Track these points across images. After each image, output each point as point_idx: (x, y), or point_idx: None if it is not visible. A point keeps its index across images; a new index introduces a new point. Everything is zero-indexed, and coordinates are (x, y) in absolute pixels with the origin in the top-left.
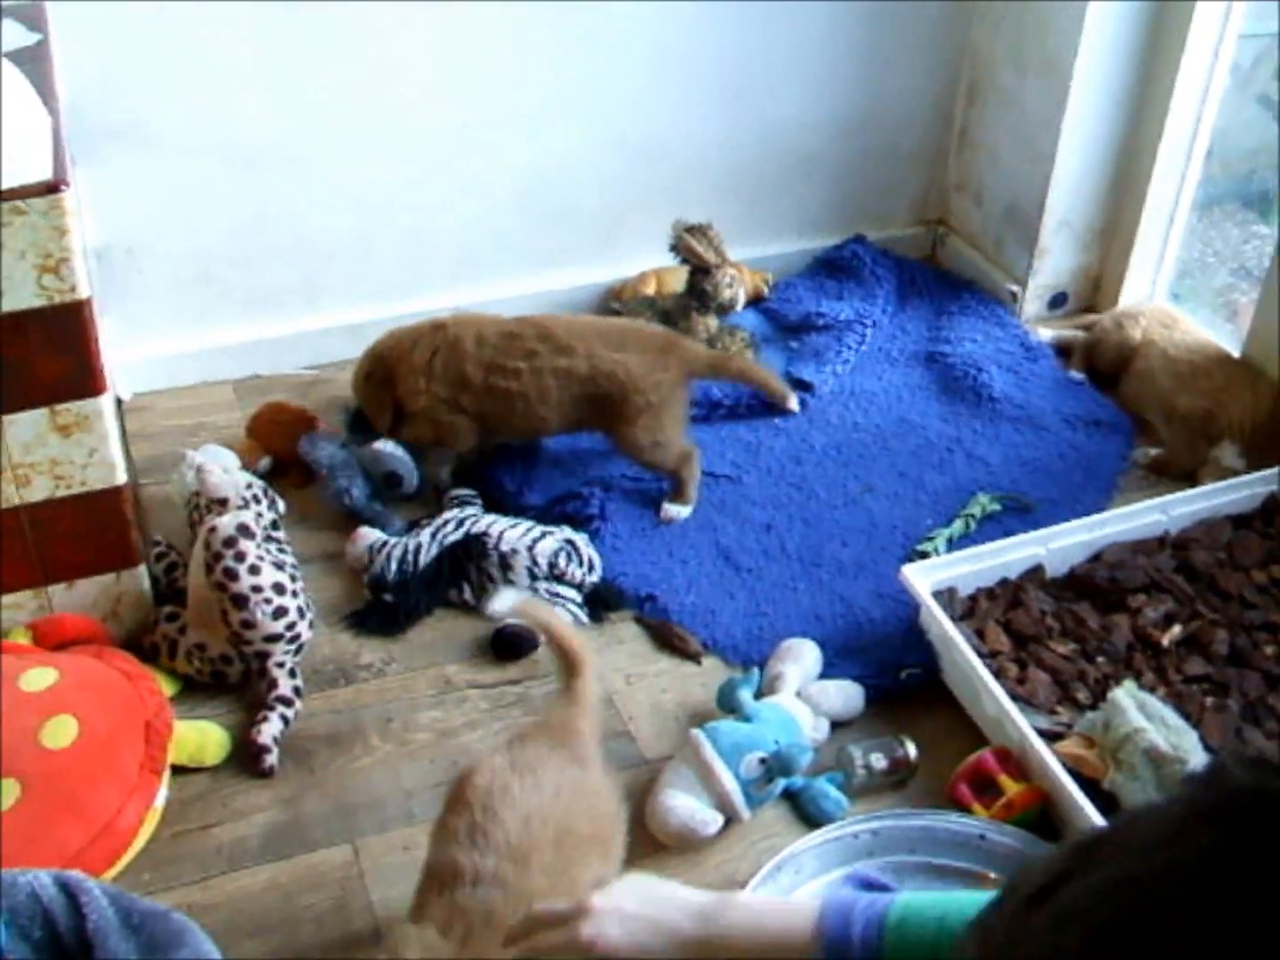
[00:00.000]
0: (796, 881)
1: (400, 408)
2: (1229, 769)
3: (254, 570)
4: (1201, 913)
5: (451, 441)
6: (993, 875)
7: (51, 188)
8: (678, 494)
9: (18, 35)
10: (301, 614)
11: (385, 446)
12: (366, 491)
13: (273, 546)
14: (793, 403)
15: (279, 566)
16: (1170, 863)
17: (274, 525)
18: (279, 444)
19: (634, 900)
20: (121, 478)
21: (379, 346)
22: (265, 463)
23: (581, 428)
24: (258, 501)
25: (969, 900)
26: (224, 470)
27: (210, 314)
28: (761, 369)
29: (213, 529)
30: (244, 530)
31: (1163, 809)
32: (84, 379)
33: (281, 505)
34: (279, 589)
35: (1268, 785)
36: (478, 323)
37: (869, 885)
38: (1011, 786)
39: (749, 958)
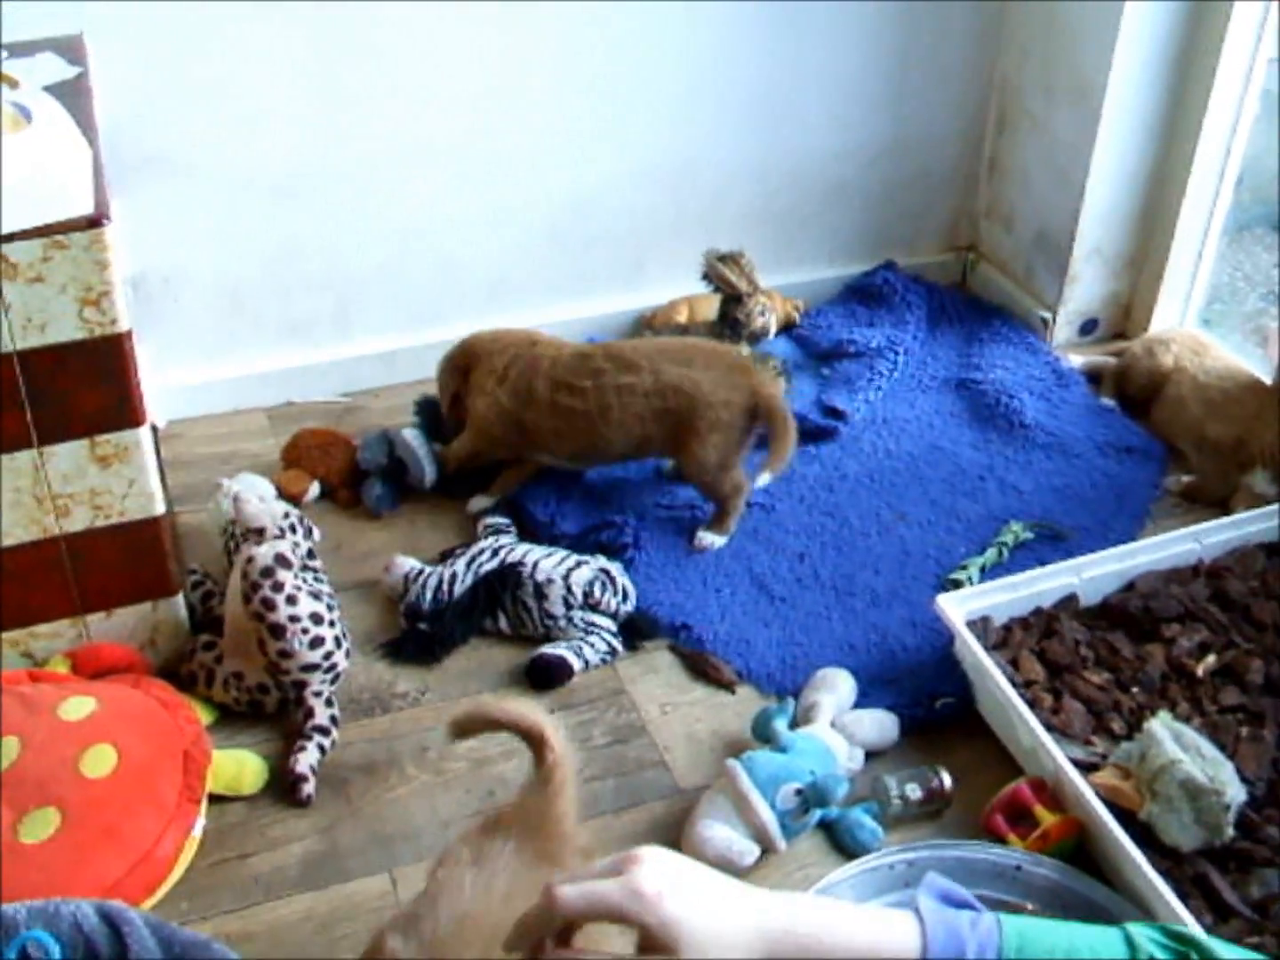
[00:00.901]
0: None
1: (462, 410)
2: None
3: (291, 600)
4: None
5: (488, 455)
6: (1030, 906)
7: (93, 222)
8: (718, 523)
9: (58, 68)
10: (338, 643)
11: (410, 435)
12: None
13: (309, 576)
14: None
15: (316, 596)
16: None
17: (310, 554)
18: (324, 468)
19: (690, 869)
20: (160, 508)
21: (472, 338)
22: (315, 489)
23: (647, 450)
24: (294, 531)
25: (1083, 936)
26: (260, 499)
27: (244, 341)
28: (783, 439)
29: (250, 559)
30: (281, 560)
31: None
32: (123, 411)
33: (317, 534)
34: (316, 619)
35: None
36: (559, 344)
37: (948, 899)
38: (1047, 817)
39: None
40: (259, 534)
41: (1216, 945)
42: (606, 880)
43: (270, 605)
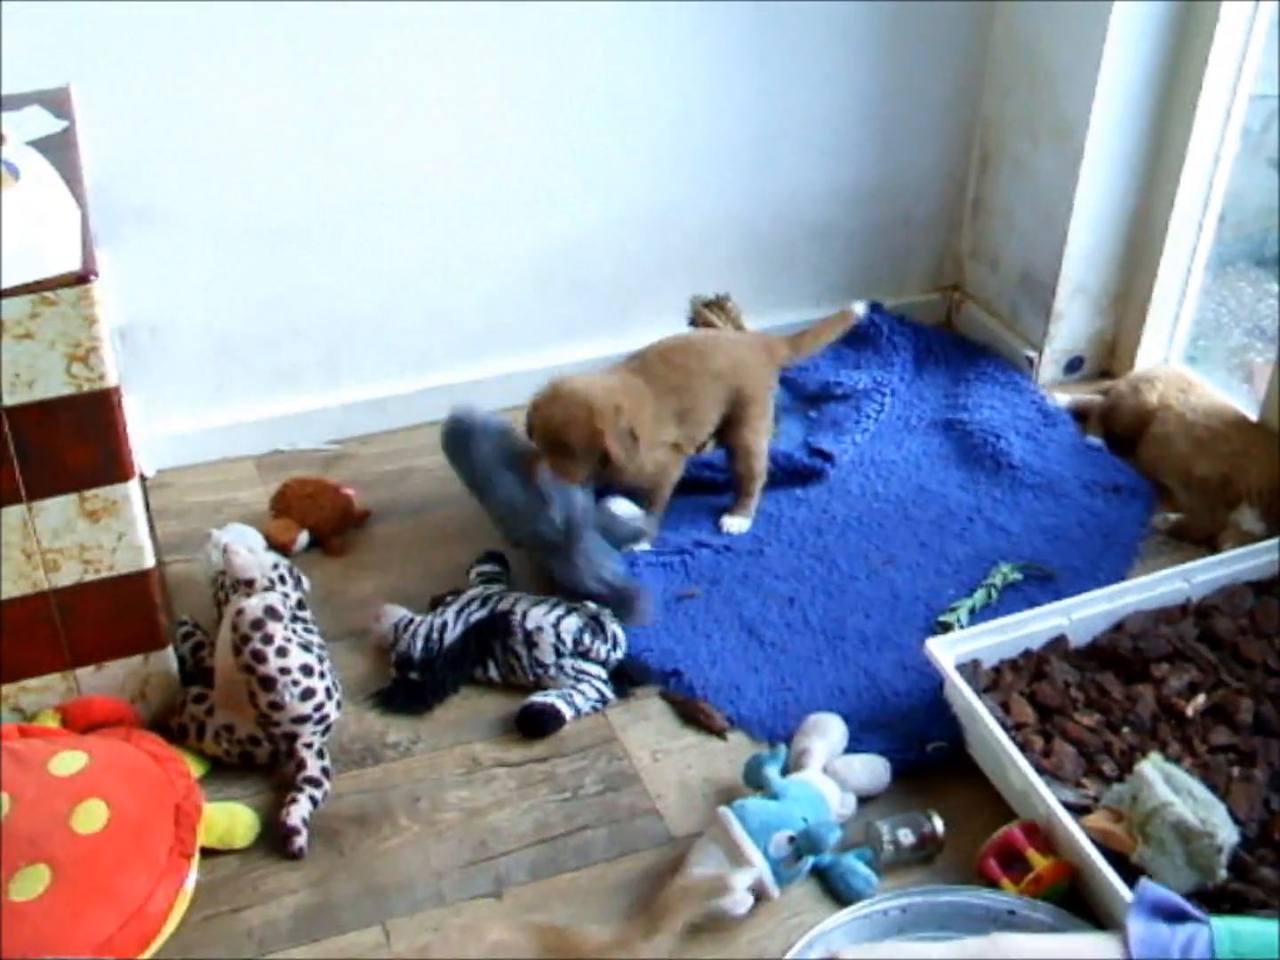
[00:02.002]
0: None
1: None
2: None
3: (282, 652)
4: None
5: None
6: None
7: (81, 278)
8: (743, 507)
9: (45, 122)
10: (329, 694)
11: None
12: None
13: (299, 627)
14: (859, 309)
15: (306, 648)
16: None
17: (300, 605)
18: (313, 517)
19: None
20: (149, 561)
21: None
22: (304, 539)
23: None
24: (283, 582)
25: None
26: (250, 550)
27: (233, 390)
28: (823, 324)
29: (240, 611)
30: (271, 613)
31: None
32: (112, 465)
33: (306, 584)
34: (307, 670)
35: None
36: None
37: (1160, 909)
38: (1040, 861)
39: None
40: (249, 585)
41: None
42: None
43: (261, 658)
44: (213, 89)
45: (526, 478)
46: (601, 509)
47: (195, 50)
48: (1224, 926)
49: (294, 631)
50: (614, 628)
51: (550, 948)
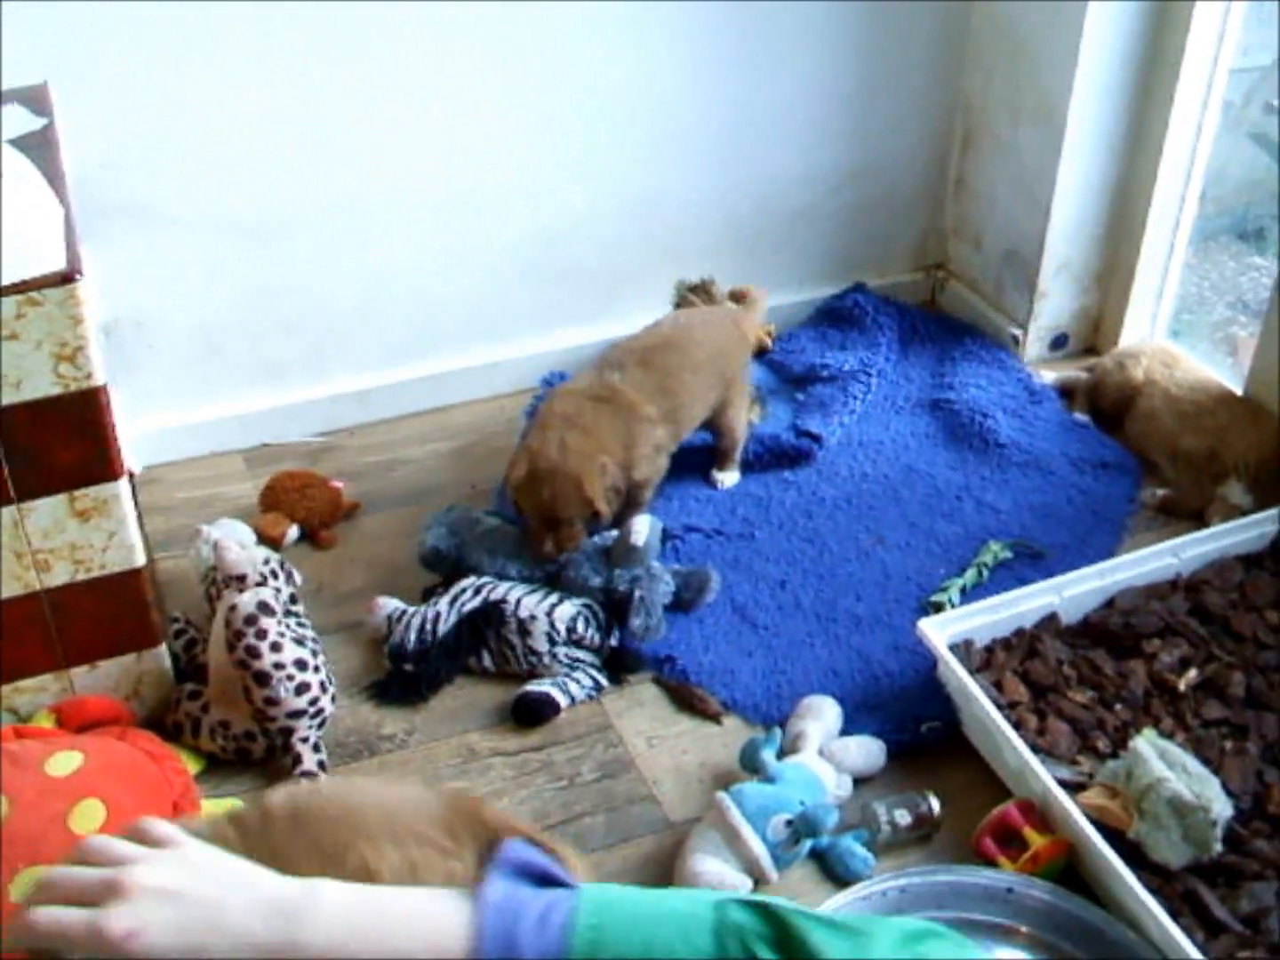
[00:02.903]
0: None
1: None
2: None
3: (275, 647)
4: None
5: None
6: (1023, 929)
7: (66, 278)
8: (730, 462)
9: (24, 120)
10: (324, 688)
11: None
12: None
13: (292, 621)
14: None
15: (300, 642)
16: None
17: (292, 599)
18: (303, 510)
19: (191, 879)
20: (140, 559)
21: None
22: (294, 532)
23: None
24: (275, 576)
25: (668, 929)
26: (240, 545)
27: (219, 385)
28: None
29: (233, 607)
30: (264, 608)
31: None
32: (101, 464)
33: (298, 578)
34: (301, 665)
35: None
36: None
37: (527, 871)
38: (1036, 839)
39: None
40: (240, 581)
41: (810, 926)
42: (74, 915)
43: (254, 653)
44: (193, 82)
45: (533, 551)
46: (623, 545)
47: (174, 44)
48: (594, 891)
49: (287, 626)
50: (606, 615)
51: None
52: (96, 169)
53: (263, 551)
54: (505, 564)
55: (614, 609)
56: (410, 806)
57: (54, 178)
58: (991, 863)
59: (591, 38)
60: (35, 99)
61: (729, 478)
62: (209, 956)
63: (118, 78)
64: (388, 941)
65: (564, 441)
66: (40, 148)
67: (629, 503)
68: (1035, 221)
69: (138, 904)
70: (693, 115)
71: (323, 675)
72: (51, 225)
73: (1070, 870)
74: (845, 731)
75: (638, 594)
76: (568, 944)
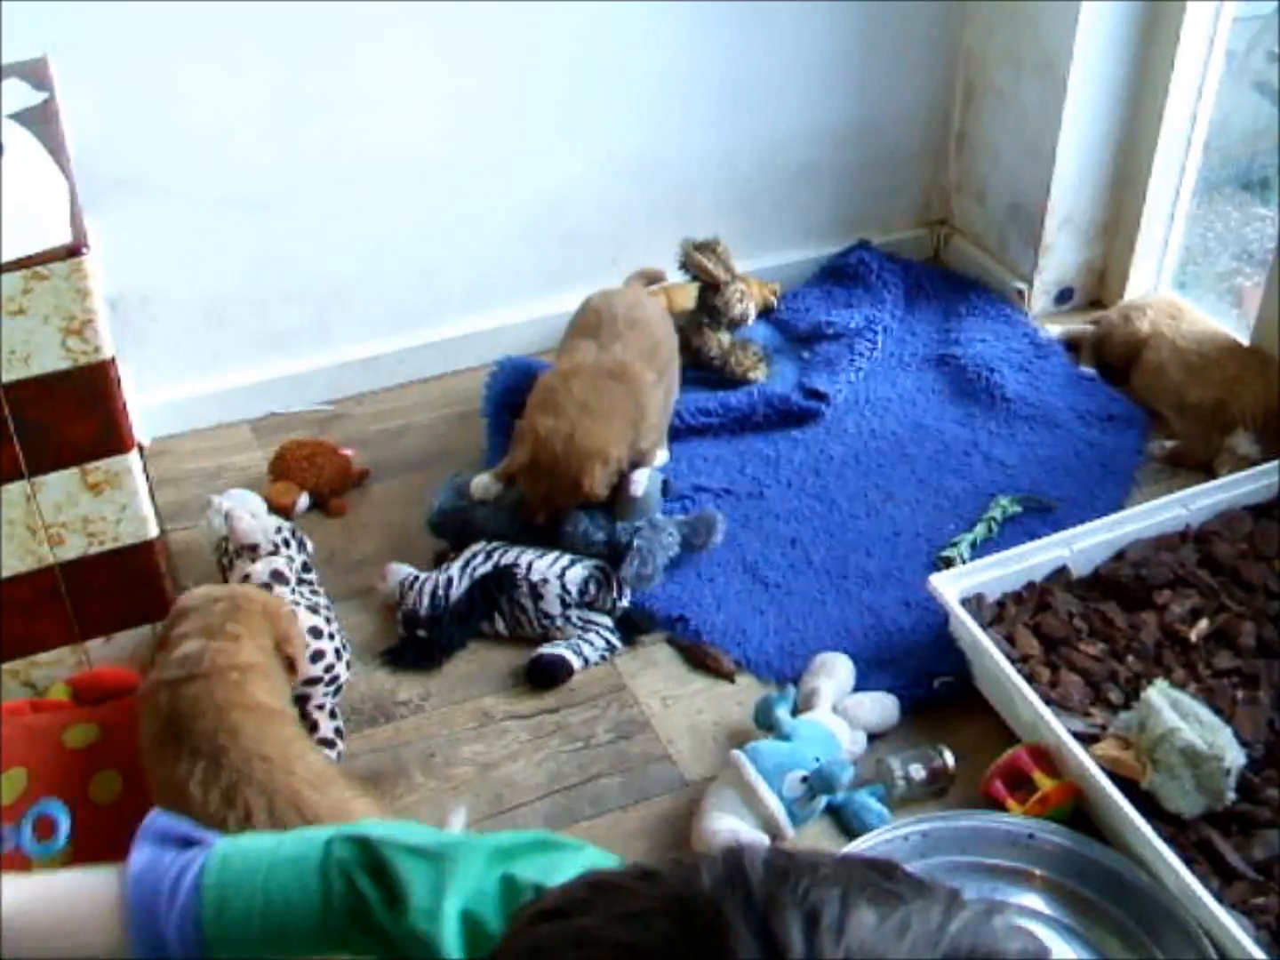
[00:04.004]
0: None
1: None
2: (702, 868)
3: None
4: None
5: None
6: (1038, 873)
7: (72, 251)
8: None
9: (24, 94)
10: (339, 655)
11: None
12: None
13: (305, 589)
14: None
15: (314, 610)
16: (624, 941)
17: (305, 567)
18: (312, 478)
19: None
20: (153, 531)
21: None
22: (304, 501)
23: None
24: (287, 545)
25: (283, 874)
26: (252, 515)
27: (225, 356)
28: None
29: (246, 577)
30: (278, 576)
31: (657, 880)
32: (112, 437)
33: (310, 546)
34: (315, 632)
35: (696, 889)
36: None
37: (169, 836)
38: (1045, 782)
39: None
40: (253, 550)
41: (399, 855)
42: None
43: None
44: (193, 54)
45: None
46: (624, 498)
47: (173, 16)
48: (221, 846)
49: (301, 594)
50: (618, 576)
51: None
52: (98, 142)
53: (274, 520)
54: (512, 527)
55: (615, 562)
56: None
57: (56, 152)
58: (1000, 806)
59: None
60: (35, 73)
61: (660, 455)
62: None
63: (117, 51)
64: (55, 924)
65: (572, 433)
66: (41, 122)
67: (633, 464)
68: (1039, 175)
69: None
70: (693, 75)
71: (337, 642)
72: (56, 199)
73: (1077, 813)
74: (858, 687)
75: (636, 543)
76: (199, 904)
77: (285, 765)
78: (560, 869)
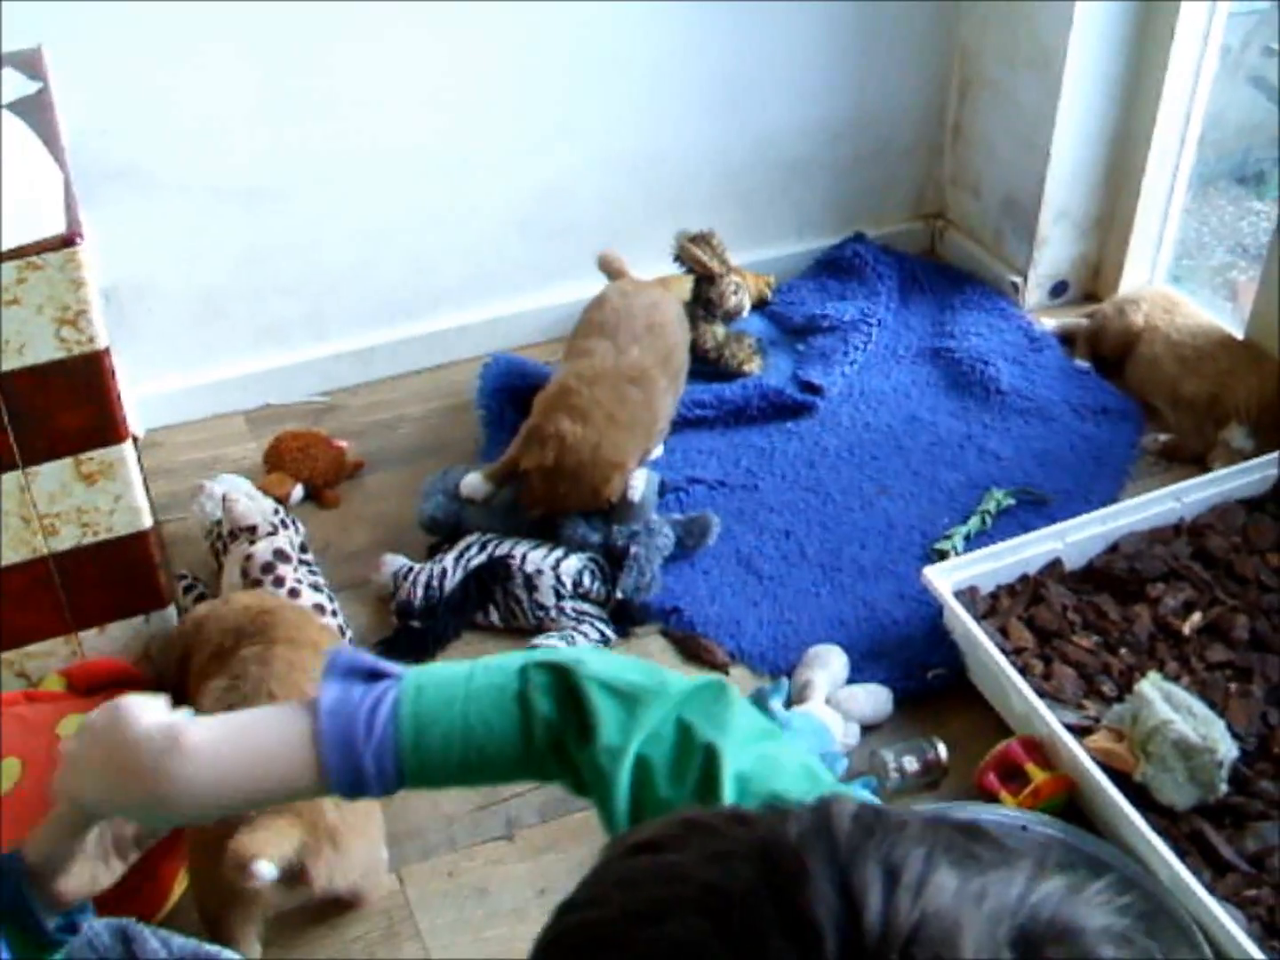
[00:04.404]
0: None
1: None
2: (790, 816)
3: (294, 594)
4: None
5: None
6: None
7: (66, 241)
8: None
9: (19, 84)
10: (341, 633)
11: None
12: None
13: (304, 569)
14: None
15: (316, 588)
16: (710, 881)
17: (303, 548)
18: (307, 470)
19: (81, 743)
20: (147, 521)
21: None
22: (298, 492)
23: None
24: (285, 526)
25: (481, 703)
26: (249, 497)
27: (219, 347)
28: None
29: (249, 556)
30: (281, 555)
31: (749, 824)
32: (106, 427)
33: (304, 532)
34: (319, 610)
35: (782, 837)
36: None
37: (355, 670)
38: (1038, 774)
39: (228, 809)
40: (251, 532)
41: (592, 661)
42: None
43: None
44: (188, 45)
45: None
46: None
47: (168, 7)
48: (413, 677)
49: (303, 573)
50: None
51: None
52: (93, 133)
53: (270, 502)
54: (505, 525)
55: (612, 565)
56: None
57: (51, 142)
58: (994, 798)
59: None
60: (30, 63)
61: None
62: (115, 806)
63: (112, 42)
64: (246, 759)
65: (600, 443)
66: (36, 112)
67: None
68: (1034, 168)
69: (63, 765)
70: (689, 69)
71: (339, 620)
72: (50, 190)
73: (1070, 805)
74: (852, 680)
75: (633, 550)
76: (397, 735)
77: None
78: (730, 725)
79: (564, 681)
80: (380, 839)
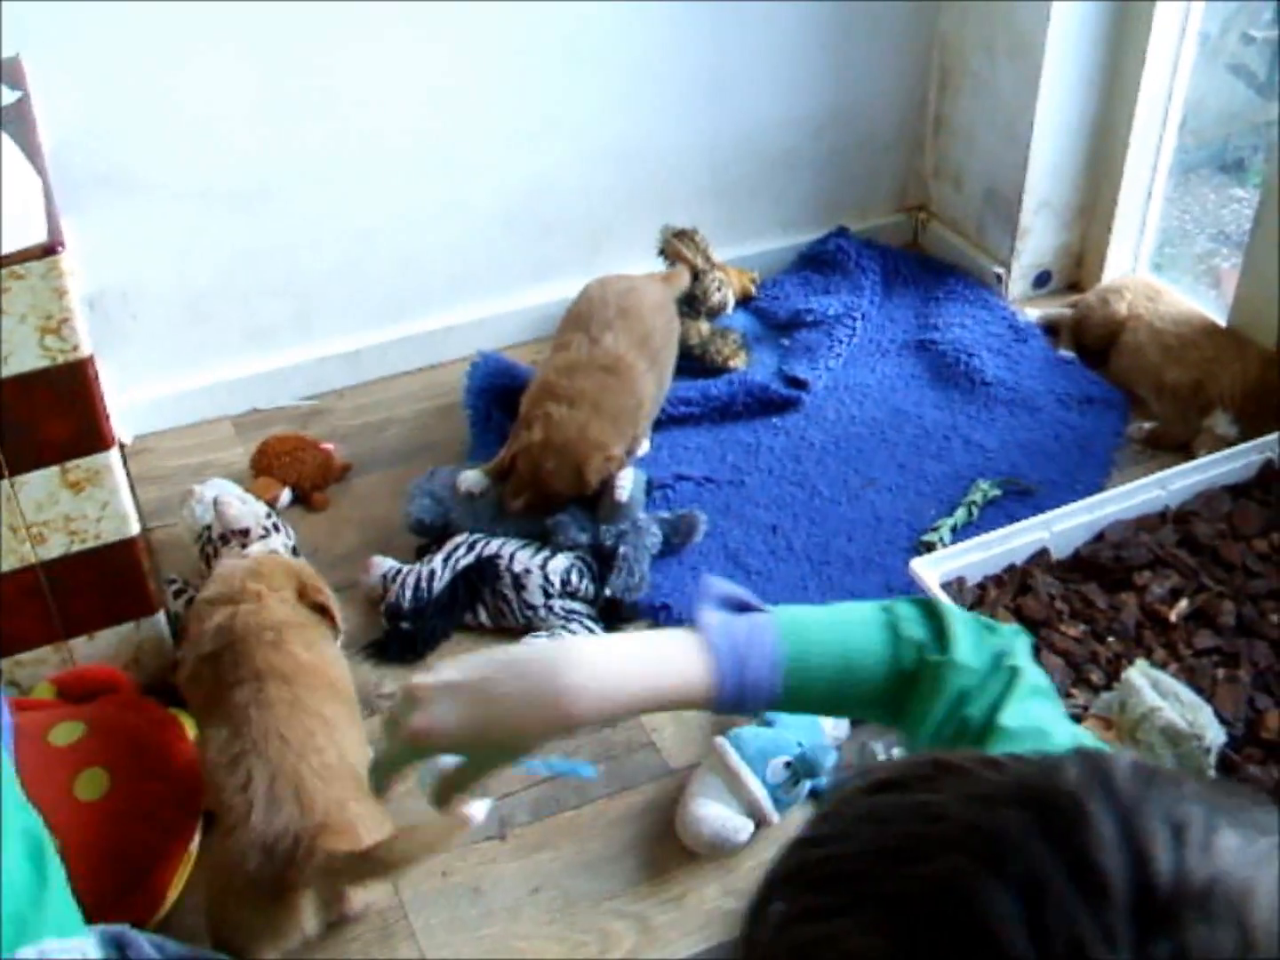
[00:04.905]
0: None
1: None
2: (1064, 764)
3: None
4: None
5: None
6: None
7: (48, 250)
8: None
9: None
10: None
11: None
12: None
13: None
14: None
15: None
16: (973, 822)
17: (294, 552)
18: (294, 474)
19: (467, 670)
20: (135, 528)
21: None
22: (286, 496)
23: None
24: (277, 530)
25: (850, 627)
26: (241, 501)
27: (206, 352)
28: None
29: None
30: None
31: (1002, 769)
32: (91, 435)
33: (293, 533)
34: None
35: (1056, 783)
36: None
37: (727, 602)
38: None
39: (616, 713)
40: (244, 535)
41: (959, 617)
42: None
43: None
44: (168, 49)
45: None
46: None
47: (146, 11)
48: (786, 614)
49: None
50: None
51: None
52: (74, 141)
53: (262, 506)
54: (492, 526)
55: (601, 564)
56: None
57: (31, 151)
58: None
59: None
60: (9, 73)
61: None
62: (495, 736)
63: (96, 47)
64: (640, 679)
65: (587, 424)
66: (16, 121)
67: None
68: (1015, 159)
69: (429, 703)
70: (670, 64)
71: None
72: (31, 198)
73: None
74: None
75: (622, 550)
76: (784, 650)
77: (300, 751)
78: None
79: (929, 608)
80: None
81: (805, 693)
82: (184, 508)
